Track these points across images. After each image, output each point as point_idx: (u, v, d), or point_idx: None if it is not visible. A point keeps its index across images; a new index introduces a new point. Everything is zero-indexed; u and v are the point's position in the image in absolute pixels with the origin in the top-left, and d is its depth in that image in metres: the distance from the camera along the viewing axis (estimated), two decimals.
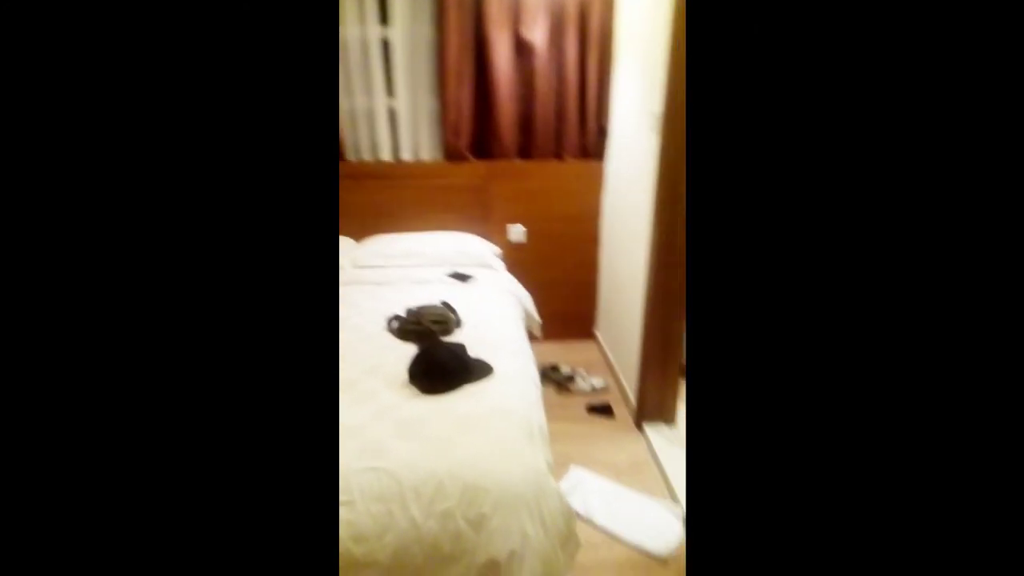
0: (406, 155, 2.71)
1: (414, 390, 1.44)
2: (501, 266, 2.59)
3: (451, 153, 2.67)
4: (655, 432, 2.14)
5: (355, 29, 2.51)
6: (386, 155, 2.70)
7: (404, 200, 2.72)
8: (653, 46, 1.98)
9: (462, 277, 2.35)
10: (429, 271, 2.39)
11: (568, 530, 1.18)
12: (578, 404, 2.39)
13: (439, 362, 1.50)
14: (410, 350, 1.59)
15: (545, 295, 2.59)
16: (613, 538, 1.66)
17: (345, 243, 2.65)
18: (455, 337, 1.77)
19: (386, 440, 1.22)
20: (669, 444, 2.07)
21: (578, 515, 1.69)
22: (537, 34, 2.50)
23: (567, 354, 2.82)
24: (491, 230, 2.77)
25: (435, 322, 1.81)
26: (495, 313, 2.02)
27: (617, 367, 2.58)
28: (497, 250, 2.69)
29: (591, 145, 2.71)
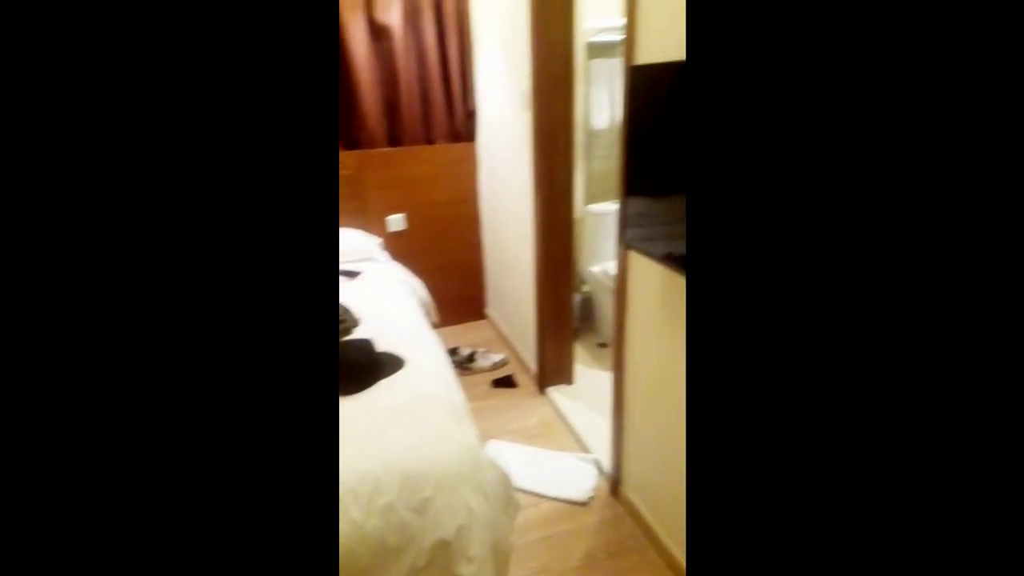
0: None
1: None
2: (386, 257, 2.53)
3: None
4: (558, 393, 2.29)
5: None
6: None
7: None
8: (514, 24, 2.06)
9: (350, 274, 2.27)
10: None
11: (508, 494, 1.24)
12: (483, 381, 2.46)
13: (348, 362, 1.45)
14: None
15: (434, 281, 2.60)
16: (538, 496, 1.77)
17: None
18: (357, 335, 1.72)
19: None
20: (572, 401, 2.23)
21: None
22: (393, 17, 2.44)
23: (463, 336, 2.86)
24: (370, 221, 2.68)
25: None
26: (391, 305, 1.99)
27: (513, 340, 2.69)
28: (379, 241, 2.62)
29: (461, 127, 2.74)
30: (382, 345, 1.59)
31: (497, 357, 2.60)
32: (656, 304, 1.38)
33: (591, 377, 2.39)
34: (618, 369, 1.62)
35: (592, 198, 2.71)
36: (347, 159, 2.57)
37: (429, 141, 2.71)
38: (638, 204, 1.22)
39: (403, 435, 1.20)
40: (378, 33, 2.46)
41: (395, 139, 2.66)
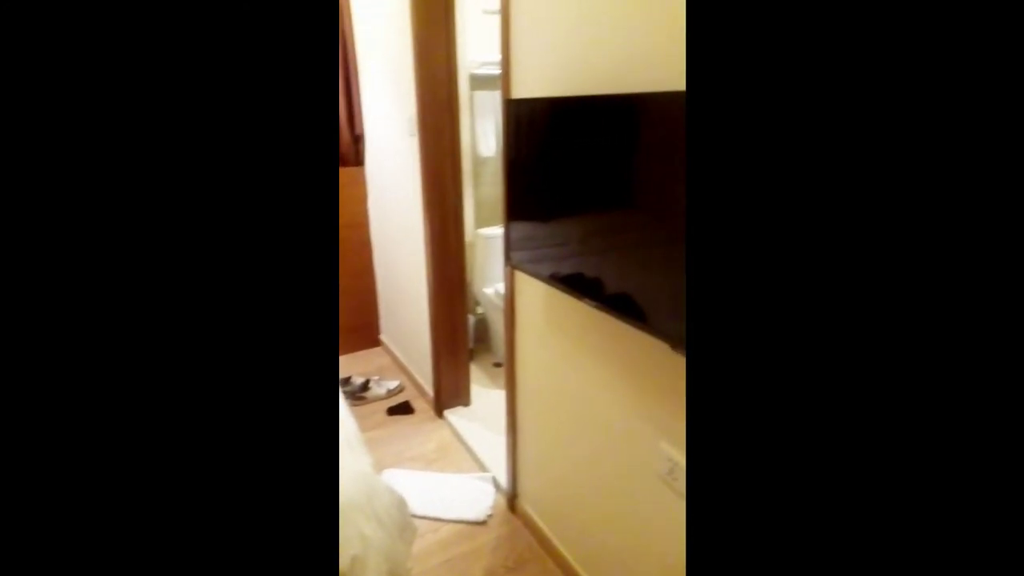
0: None
1: None
2: None
3: None
4: (455, 416, 2.30)
5: None
6: None
7: None
8: (398, 51, 2.10)
9: None
10: None
11: (404, 520, 1.22)
12: (378, 410, 2.39)
13: None
14: None
15: None
16: (437, 521, 1.75)
17: None
18: None
19: None
20: (470, 423, 2.25)
21: None
22: None
23: (356, 364, 2.78)
24: None
25: None
26: None
27: (409, 366, 2.66)
28: None
29: (348, 152, 2.70)
30: None
31: (392, 384, 2.55)
32: (542, 321, 1.46)
33: (488, 397, 2.43)
34: (510, 386, 1.68)
35: (483, 222, 2.79)
36: None
37: None
38: (523, 228, 1.30)
39: None
40: None
41: None
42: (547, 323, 1.44)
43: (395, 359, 2.83)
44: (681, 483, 1.06)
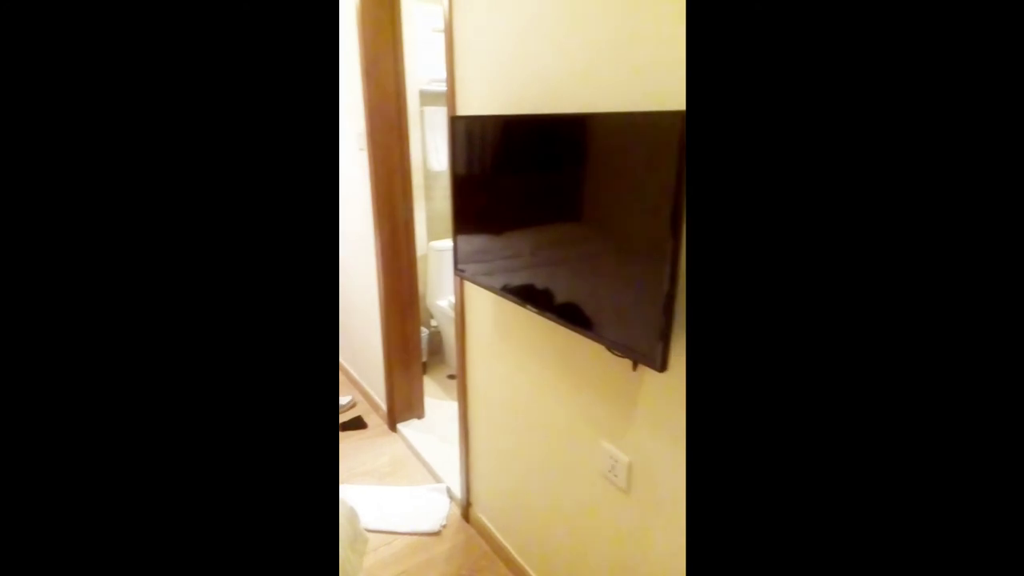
0: None
1: None
2: None
3: None
4: (409, 429, 2.29)
5: None
6: None
7: None
8: (346, 65, 2.12)
9: None
10: None
11: (354, 531, 1.22)
12: None
13: None
14: None
15: None
16: (391, 534, 1.74)
17: None
18: None
19: None
20: (424, 435, 2.25)
21: None
22: None
23: None
24: None
25: None
26: None
27: (361, 380, 2.63)
28: None
29: None
30: None
31: (344, 399, 2.52)
32: (492, 331, 1.50)
33: (442, 409, 2.43)
34: (462, 395, 1.70)
35: (435, 235, 2.82)
36: None
37: None
38: (471, 241, 1.34)
39: None
40: None
41: None
42: (497, 333, 1.48)
43: (347, 374, 2.80)
44: (622, 479, 1.12)
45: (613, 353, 1.05)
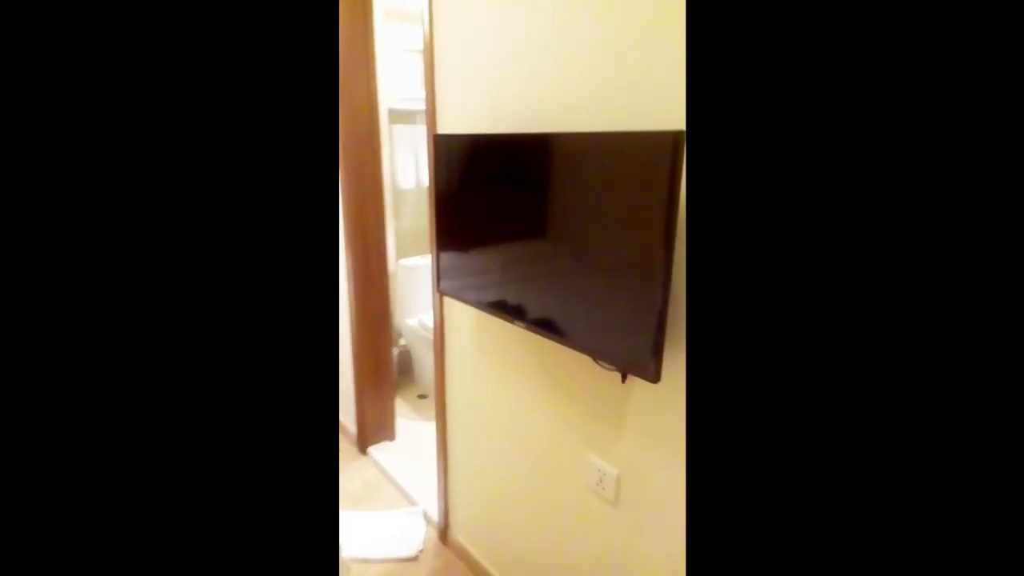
0: None
1: None
2: None
3: None
4: (380, 451, 2.23)
5: None
6: None
7: None
8: None
9: None
10: None
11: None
12: None
13: None
14: None
15: None
16: (366, 562, 1.68)
17: None
18: None
19: None
20: (396, 457, 2.19)
21: None
22: None
23: None
24: None
25: None
26: None
27: None
28: None
29: None
30: None
31: None
32: (472, 346, 1.49)
33: (414, 429, 2.39)
34: (440, 413, 1.68)
35: (403, 253, 2.79)
36: None
37: None
38: (454, 257, 1.34)
39: None
40: None
41: None
42: (477, 348, 1.47)
43: None
44: (610, 491, 1.13)
45: (602, 366, 1.07)
